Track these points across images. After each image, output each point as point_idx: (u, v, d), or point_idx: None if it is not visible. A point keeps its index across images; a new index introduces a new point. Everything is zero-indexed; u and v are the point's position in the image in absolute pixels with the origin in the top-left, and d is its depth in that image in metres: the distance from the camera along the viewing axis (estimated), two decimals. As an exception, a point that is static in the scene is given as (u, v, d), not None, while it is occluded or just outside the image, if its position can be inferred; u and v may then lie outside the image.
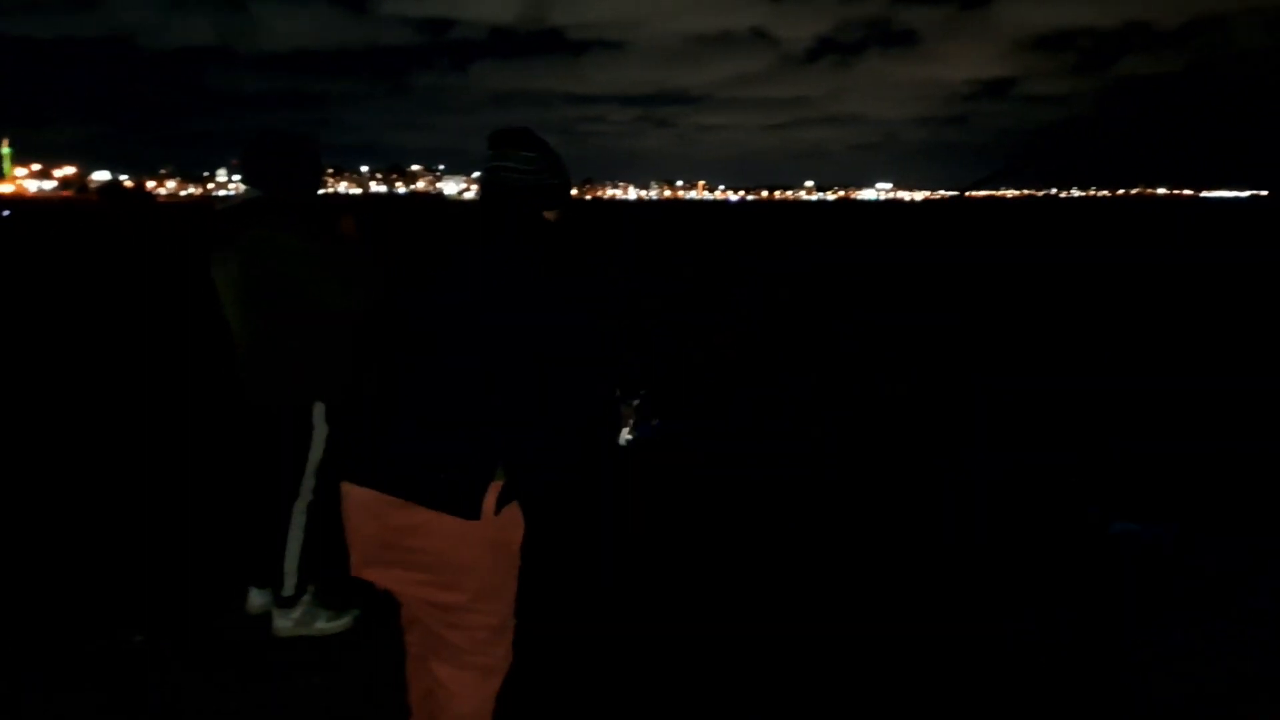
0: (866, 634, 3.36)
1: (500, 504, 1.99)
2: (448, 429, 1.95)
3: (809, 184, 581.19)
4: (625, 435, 2.30)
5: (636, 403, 2.32)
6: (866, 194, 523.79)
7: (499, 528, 2.02)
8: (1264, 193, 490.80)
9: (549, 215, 2.21)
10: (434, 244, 2.16)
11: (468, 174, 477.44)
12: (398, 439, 1.98)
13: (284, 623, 3.33)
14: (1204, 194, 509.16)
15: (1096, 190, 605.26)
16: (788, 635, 3.38)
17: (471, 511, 1.94)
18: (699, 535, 4.32)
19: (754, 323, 10.69)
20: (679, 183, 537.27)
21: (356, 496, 2.04)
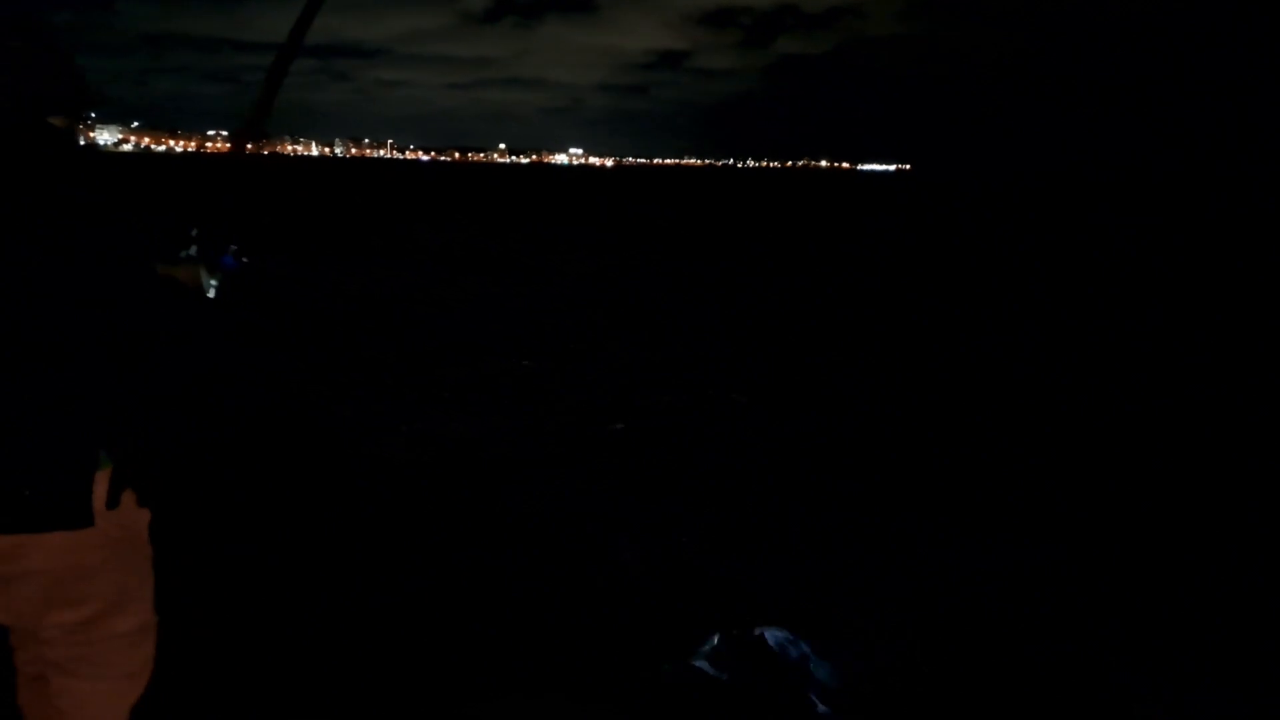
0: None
1: (113, 494, 1.65)
2: (24, 430, 1.54)
3: (502, 146, 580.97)
4: (209, 284, 1.89)
5: (191, 251, 1.90)
6: (560, 158, 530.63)
7: (118, 522, 1.69)
8: (907, 166, 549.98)
9: (57, 122, 1.66)
10: None
11: (126, 123, 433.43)
12: None
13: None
14: (860, 167, 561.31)
15: (769, 161, 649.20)
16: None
17: (82, 519, 1.60)
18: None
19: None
20: (366, 140, 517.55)
21: None
